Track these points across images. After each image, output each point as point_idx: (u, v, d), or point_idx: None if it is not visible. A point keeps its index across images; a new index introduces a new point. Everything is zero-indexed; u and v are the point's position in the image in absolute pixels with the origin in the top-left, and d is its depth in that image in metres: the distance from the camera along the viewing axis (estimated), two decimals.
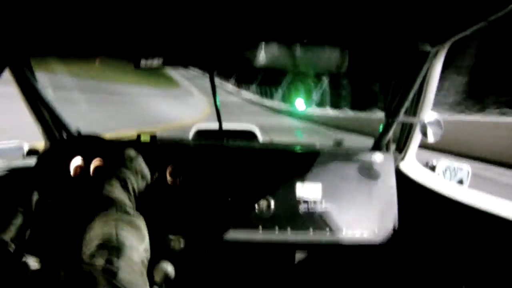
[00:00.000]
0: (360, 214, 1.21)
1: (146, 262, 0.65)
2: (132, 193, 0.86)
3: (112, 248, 0.59)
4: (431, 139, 1.08)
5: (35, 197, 1.02)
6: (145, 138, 1.37)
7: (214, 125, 2.36)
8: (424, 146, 1.35)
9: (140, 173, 0.94)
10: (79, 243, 0.62)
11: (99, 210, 0.72)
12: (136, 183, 0.90)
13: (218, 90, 1.32)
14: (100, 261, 0.55)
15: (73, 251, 0.60)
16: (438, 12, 0.81)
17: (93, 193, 0.83)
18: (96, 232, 0.63)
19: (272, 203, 1.22)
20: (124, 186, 0.85)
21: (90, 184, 1.18)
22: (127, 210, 0.75)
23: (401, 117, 1.22)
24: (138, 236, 0.67)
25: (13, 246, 0.87)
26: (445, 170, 1.24)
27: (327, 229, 1.19)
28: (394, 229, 1.19)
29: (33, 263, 0.50)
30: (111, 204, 0.74)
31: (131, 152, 1.00)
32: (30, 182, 1.05)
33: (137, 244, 0.65)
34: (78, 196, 1.16)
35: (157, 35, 1.05)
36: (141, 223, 0.71)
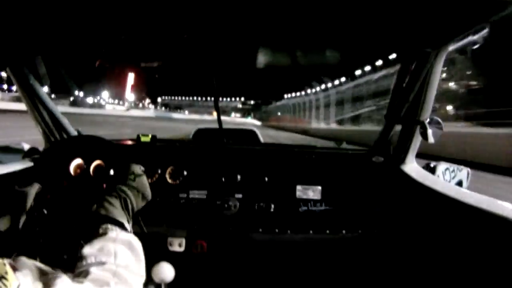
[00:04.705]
0: (360, 215, 1.21)
1: (141, 286, 0.64)
2: (131, 213, 0.85)
3: (109, 268, 0.58)
4: (431, 140, 1.08)
5: (34, 196, 1.02)
6: (145, 138, 1.37)
7: (214, 125, 2.36)
8: None
9: (142, 193, 0.92)
10: (74, 254, 0.62)
11: (97, 227, 0.72)
12: (136, 203, 0.89)
13: None
14: (95, 280, 0.54)
15: (68, 259, 0.60)
16: (438, 14, 0.81)
17: (92, 205, 0.82)
18: (93, 249, 0.62)
19: (272, 203, 1.22)
20: (124, 205, 0.84)
21: (90, 184, 1.18)
22: (126, 231, 0.75)
23: (401, 119, 1.22)
24: (135, 258, 0.66)
25: (11, 245, 0.87)
26: (445, 171, 1.24)
27: (327, 230, 1.20)
28: (394, 230, 1.19)
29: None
30: (110, 222, 0.74)
31: (137, 169, 0.98)
32: (29, 181, 1.05)
33: (134, 266, 0.64)
34: (78, 196, 1.16)
35: (157, 35, 1.05)
36: (139, 245, 0.71)
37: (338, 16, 0.84)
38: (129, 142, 1.42)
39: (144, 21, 0.91)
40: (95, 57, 1.22)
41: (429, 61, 1.05)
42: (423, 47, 1.01)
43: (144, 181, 0.97)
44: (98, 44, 1.11)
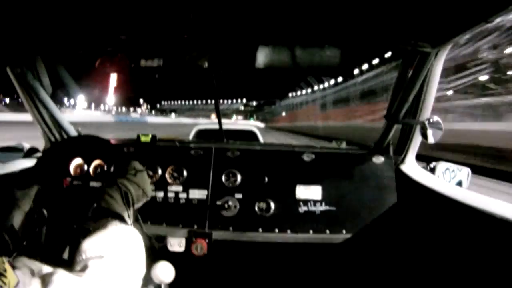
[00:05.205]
0: (360, 215, 1.21)
1: (141, 280, 0.64)
2: (131, 207, 0.85)
3: (108, 262, 0.58)
4: (431, 140, 1.08)
5: (34, 196, 1.02)
6: (145, 138, 1.37)
7: (215, 125, 2.36)
8: None
9: (142, 188, 0.92)
10: (74, 248, 0.62)
11: (97, 220, 0.71)
12: (137, 198, 0.89)
13: None
14: (94, 274, 0.54)
15: (68, 258, 0.60)
16: (439, 12, 0.81)
17: (93, 201, 0.82)
18: (92, 243, 0.62)
19: (272, 203, 1.22)
20: (125, 199, 0.84)
21: (90, 183, 1.18)
22: (126, 224, 0.75)
23: (401, 119, 1.22)
24: (135, 252, 0.66)
25: (11, 245, 0.87)
26: (445, 171, 1.24)
27: (327, 230, 1.19)
28: (394, 230, 1.19)
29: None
30: (110, 216, 0.73)
31: (137, 165, 0.98)
32: (29, 181, 1.05)
33: (133, 260, 0.64)
34: (78, 196, 1.16)
35: (157, 35, 1.05)
36: (139, 238, 0.70)
37: (340, 15, 0.84)
38: (129, 142, 1.42)
39: (143, 21, 0.91)
40: (94, 57, 1.22)
41: (429, 61, 1.05)
42: (423, 47, 1.01)
43: (145, 176, 0.97)
44: (98, 44, 1.11)
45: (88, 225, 0.71)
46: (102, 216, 0.73)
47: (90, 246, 0.61)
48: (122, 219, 0.76)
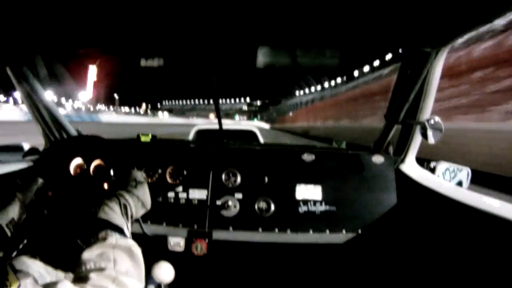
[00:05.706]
0: (360, 215, 1.21)
1: None
2: (129, 219, 0.85)
3: (109, 274, 0.58)
4: (431, 140, 1.08)
5: (35, 189, 1.02)
6: (145, 138, 1.37)
7: (215, 125, 2.35)
8: None
9: (142, 201, 0.92)
10: (74, 254, 0.62)
11: (97, 232, 0.71)
12: (135, 211, 0.89)
13: None
14: (95, 286, 0.54)
15: (68, 259, 0.60)
16: (439, 13, 0.81)
17: (92, 205, 0.82)
18: (93, 255, 0.62)
19: (272, 203, 1.22)
20: (124, 212, 0.84)
21: (90, 184, 1.18)
22: (125, 237, 0.75)
23: (401, 119, 1.22)
24: (135, 264, 0.66)
25: (12, 243, 0.87)
26: (445, 171, 1.23)
27: (327, 230, 1.20)
28: (394, 230, 1.19)
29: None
30: (110, 228, 0.74)
31: (138, 176, 0.98)
32: (29, 179, 1.05)
33: (133, 273, 0.64)
34: (78, 196, 1.16)
35: (158, 34, 1.05)
36: (138, 251, 0.71)
37: (341, 15, 0.84)
38: (129, 142, 1.42)
39: (143, 21, 0.91)
40: (95, 57, 1.22)
41: (429, 61, 1.05)
42: (423, 47, 1.01)
43: (145, 188, 0.97)
44: (98, 43, 1.11)
45: (88, 235, 0.71)
46: (102, 228, 0.73)
47: (91, 258, 0.61)
48: (121, 232, 0.76)
